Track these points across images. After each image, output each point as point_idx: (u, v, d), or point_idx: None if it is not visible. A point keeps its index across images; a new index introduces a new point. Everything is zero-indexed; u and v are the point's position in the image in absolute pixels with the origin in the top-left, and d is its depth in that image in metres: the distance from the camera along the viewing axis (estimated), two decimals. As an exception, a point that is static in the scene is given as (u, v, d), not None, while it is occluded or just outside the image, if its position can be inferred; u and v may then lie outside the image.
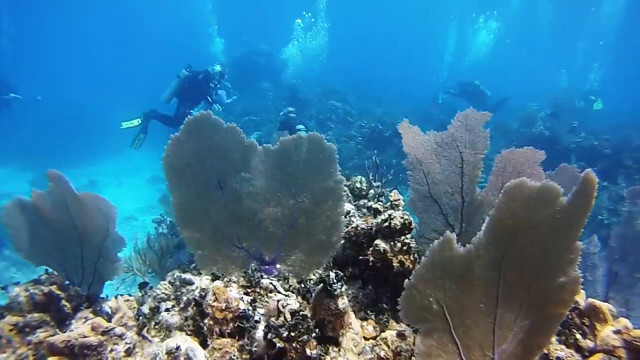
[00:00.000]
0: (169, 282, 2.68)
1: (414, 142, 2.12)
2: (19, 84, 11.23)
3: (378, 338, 1.63)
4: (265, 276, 1.73)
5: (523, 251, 1.30)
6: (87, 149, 16.92)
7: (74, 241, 2.53)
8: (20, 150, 16.10)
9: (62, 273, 2.65)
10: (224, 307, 1.51)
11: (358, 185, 3.47)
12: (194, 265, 3.00)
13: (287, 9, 19.77)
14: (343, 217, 2.07)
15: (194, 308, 1.74)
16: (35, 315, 2.48)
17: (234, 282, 1.64)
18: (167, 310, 2.20)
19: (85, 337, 1.68)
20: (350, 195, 3.38)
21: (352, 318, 1.70)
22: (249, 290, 1.61)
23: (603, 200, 8.13)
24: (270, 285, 1.65)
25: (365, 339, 1.68)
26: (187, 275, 2.73)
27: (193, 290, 2.50)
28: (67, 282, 2.66)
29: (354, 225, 2.16)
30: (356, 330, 1.64)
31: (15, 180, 14.65)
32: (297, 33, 19.73)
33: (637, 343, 1.50)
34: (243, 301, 1.55)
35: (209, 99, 7.51)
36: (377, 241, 2.08)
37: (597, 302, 1.69)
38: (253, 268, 1.76)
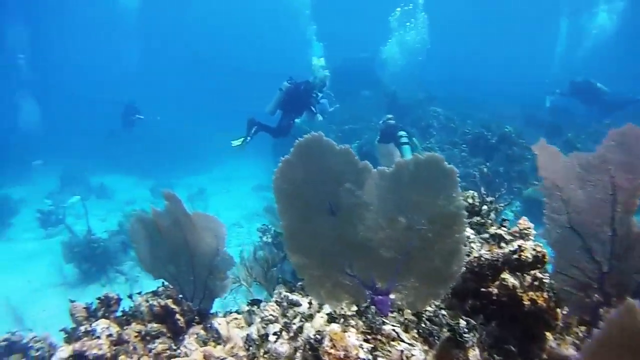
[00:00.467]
0: (276, 302, 2.67)
1: (552, 165, 1.84)
2: (142, 106, 12.68)
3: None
4: (387, 321, 1.59)
5: None
6: (197, 160, 18.17)
7: (187, 258, 2.61)
8: (142, 162, 17.82)
9: (176, 287, 2.76)
10: (342, 356, 1.40)
11: (470, 200, 3.20)
12: (300, 283, 2.97)
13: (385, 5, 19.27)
14: (464, 245, 1.87)
15: (309, 352, 1.66)
16: (155, 325, 2.60)
17: (353, 326, 1.53)
18: (275, 334, 2.16)
19: (198, 365, 1.67)
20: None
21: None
22: (369, 337, 1.49)
23: None
24: (393, 333, 1.51)
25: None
26: (295, 297, 2.69)
27: (300, 314, 2.46)
28: (180, 296, 2.76)
29: (476, 254, 1.94)
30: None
31: (139, 188, 16.22)
32: (393, 25, 19.09)
33: None
34: (363, 349, 1.43)
35: (312, 109, 7.56)
36: (505, 275, 1.85)
37: None
38: (373, 311, 1.63)
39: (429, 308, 2.03)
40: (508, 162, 9.72)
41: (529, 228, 1.94)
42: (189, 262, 2.60)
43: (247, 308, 2.86)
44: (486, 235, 2.18)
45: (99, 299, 2.73)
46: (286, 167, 1.90)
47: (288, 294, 2.74)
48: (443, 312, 2.06)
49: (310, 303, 2.50)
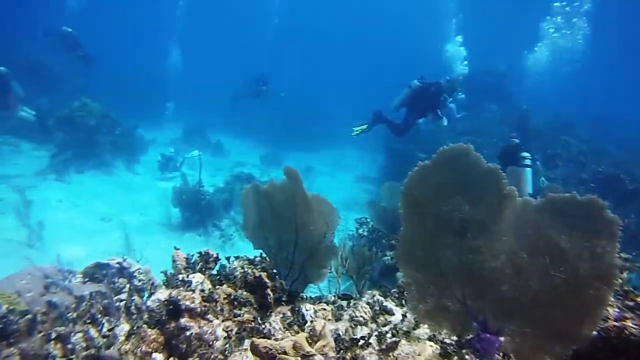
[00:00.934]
0: (368, 304, 2.55)
1: None
2: (272, 78, 13.18)
3: None
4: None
5: None
6: (309, 138, 18.53)
7: (291, 237, 2.58)
8: (258, 129, 18.65)
9: (272, 262, 2.75)
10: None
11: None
12: (394, 290, 2.82)
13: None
14: (605, 308, 1.59)
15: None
16: (244, 293, 2.62)
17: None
18: (363, 339, 2.05)
19: (285, 353, 1.61)
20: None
21: None
22: None
23: None
24: None
25: None
26: (388, 304, 2.56)
27: (394, 325, 2.32)
28: (275, 272, 2.75)
29: (617, 324, 1.64)
30: None
31: (250, 153, 17.05)
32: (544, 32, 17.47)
33: None
34: None
35: (439, 112, 7.24)
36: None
37: None
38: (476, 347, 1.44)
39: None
40: (644, 213, 8.54)
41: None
42: (292, 241, 2.57)
43: (332, 298, 2.79)
44: (631, 303, 1.85)
45: (199, 253, 2.82)
46: (421, 173, 1.75)
47: (381, 298, 2.61)
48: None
49: (404, 315, 2.35)
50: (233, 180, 10.99)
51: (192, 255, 2.83)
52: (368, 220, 6.53)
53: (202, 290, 2.49)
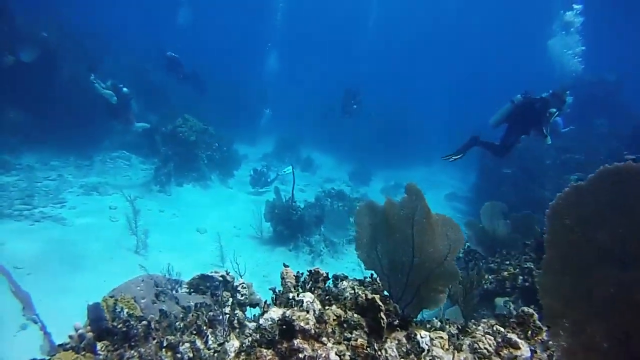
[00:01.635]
0: (490, 334, 2.32)
1: None
2: (363, 95, 13.25)
3: None
4: None
5: None
6: (398, 155, 18.26)
7: (408, 257, 2.43)
8: (346, 147, 18.73)
9: (385, 284, 2.62)
10: None
11: None
12: (513, 320, 2.55)
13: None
14: None
15: None
16: (355, 315, 2.50)
17: None
18: (494, 377, 1.84)
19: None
20: None
21: None
22: None
23: None
24: None
25: None
26: (512, 336, 2.30)
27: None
28: (386, 294, 2.61)
29: None
30: None
31: (339, 169, 17.17)
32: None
33: None
34: None
35: (543, 130, 6.70)
36: None
37: None
38: None
39: None
40: None
41: None
42: (408, 262, 2.42)
43: (438, 324, 2.59)
44: None
45: (309, 272, 2.76)
46: (575, 193, 1.54)
47: (502, 328, 2.36)
48: None
49: (534, 352, 2.10)
50: (323, 197, 11.05)
51: (302, 274, 2.78)
52: (465, 241, 6.18)
53: (314, 311, 2.41)
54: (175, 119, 12.43)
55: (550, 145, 7.70)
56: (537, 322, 2.31)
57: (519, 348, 2.22)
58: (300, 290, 2.65)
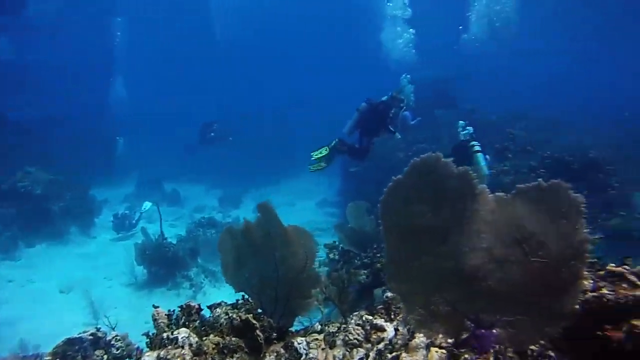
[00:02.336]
0: (359, 325, 2.54)
1: None
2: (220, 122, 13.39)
3: None
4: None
5: None
6: (264, 173, 18.47)
7: (272, 272, 2.55)
8: (214, 173, 18.44)
9: (257, 302, 2.71)
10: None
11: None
12: (380, 306, 2.82)
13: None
14: (582, 281, 1.67)
15: None
16: (233, 339, 2.55)
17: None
18: (361, 360, 2.04)
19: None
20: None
21: None
22: None
23: None
24: None
25: None
26: (378, 320, 2.56)
27: (388, 340, 2.33)
28: (260, 311, 2.70)
29: (595, 293, 1.73)
30: None
31: (208, 196, 16.81)
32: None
33: None
34: None
35: (390, 128, 7.48)
36: (636, 321, 1.63)
37: None
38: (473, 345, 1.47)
39: (533, 347, 1.84)
40: (592, 190, 9.03)
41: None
42: (274, 277, 2.54)
43: (319, 327, 2.76)
44: (602, 272, 1.95)
45: (180, 307, 2.73)
46: (397, 187, 1.79)
47: (370, 317, 2.61)
48: (551, 353, 1.85)
49: (397, 329, 2.36)
50: (195, 228, 10.76)
51: (173, 311, 2.74)
52: (337, 243, 6.52)
53: (191, 345, 2.41)
54: (13, 174, 11.11)
55: (400, 139, 8.56)
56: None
57: (385, 330, 2.48)
58: (174, 327, 2.61)
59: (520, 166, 10.56)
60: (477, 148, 6.96)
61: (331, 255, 6.66)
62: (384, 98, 7.77)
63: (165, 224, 11.69)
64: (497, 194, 1.71)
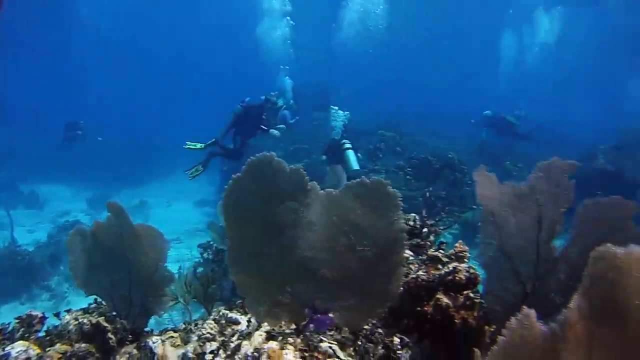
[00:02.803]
0: (214, 320, 2.61)
1: (490, 193, 1.95)
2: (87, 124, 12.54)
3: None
4: (324, 339, 1.60)
5: (617, 330, 1.14)
6: (139, 170, 17.51)
7: (124, 273, 2.51)
8: (80, 172, 16.95)
9: (110, 304, 2.63)
10: (280, 375, 1.39)
11: (411, 223, 3.31)
12: (240, 301, 2.92)
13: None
14: (403, 267, 1.93)
15: None
16: (83, 345, 2.45)
17: (291, 344, 1.52)
18: (212, 353, 2.11)
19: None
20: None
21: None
22: (307, 355, 1.49)
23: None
24: (329, 350, 1.52)
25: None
26: (233, 314, 2.64)
27: (239, 332, 2.42)
28: (114, 313, 2.63)
29: (414, 275, 2.01)
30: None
31: (76, 199, 15.41)
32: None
33: None
34: None
35: (265, 128, 7.67)
36: (439, 295, 1.93)
37: None
38: (312, 329, 1.64)
39: (366, 327, 2.07)
40: (450, 187, 10.13)
41: (465, 251, 2.04)
42: (126, 277, 2.49)
43: (184, 326, 2.78)
44: (424, 257, 2.26)
45: (19, 318, 2.55)
46: (236, 185, 1.89)
47: (227, 311, 2.68)
48: (380, 330, 2.10)
49: (249, 321, 2.47)
50: (58, 232, 9.84)
51: (9, 324, 2.54)
52: (211, 243, 6.48)
53: (28, 358, 2.27)
54: None
55: (279, 138, 8.80)
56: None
57: (239, 323, 2.57)
58: (8, 342, 2.42)
59: (390, 165, 11.46)
60: (347, 146, 7.50)
61: (205, 255, 6.61)
62: (258, 102, 8.01)
63: (22, 229, 10.55)
64: (327, 189, 1.89)
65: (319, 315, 1.98)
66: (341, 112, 8.45)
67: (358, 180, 1.86)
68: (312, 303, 1.99)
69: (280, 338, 1.58)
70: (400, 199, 1.87)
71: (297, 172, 1.84)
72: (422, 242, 3.04)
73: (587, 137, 13.74)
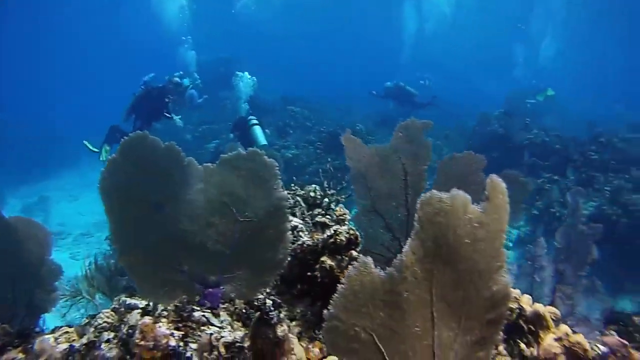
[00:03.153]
0: (113, 309, 2.54)
1: (357, 155, 2.07)
2: None
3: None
4: (197, 308, 1.64)
5: (451, 267, 1.28)
6: (38, 164, 16.17)
7: (6, 271, 2.36)
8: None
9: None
10: (152, 346, 1.41)
11: (312, 194, 3.42)
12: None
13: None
14: (288, 234, 2.00)
15: (121, 348, 1.63)
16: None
17: (164, 317, 1.54)
18: (107, 341, 2.07)
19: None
20: (304, 205, 3.31)
21: (295, 343, 1.63)
22: (180, 325, 1.52)
23: (555, 194, 8.50)
24: (203, 318, 1.56)
25: (310, 361, 1.62)
26: (133, 300, 2.59)
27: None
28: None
29: (300, 242, 2.10)
30: (299, 356, 1.57)
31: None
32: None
33: (576, 348, 1.50)
34: (173, 337, 1.45)
35: (167, 114, 7.42)
36: (324, 258, 2.04)
37: (541, 309, 1.69)
38: (185, 300, 1.66)
39: (260, 296, 2.14)
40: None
41: (344, 214, 2.16)
42: (8, 276, 2.35)
43: (85, 321, 2.69)
44: (312, 224, 2.36)
45: None
46: (112, 166, 1.85)
47: (127, 299, 2.63)
48: (273, 297, 2.18)
49: (147, 305, 2.44)
50: None
51: None
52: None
53: None
54: None
55: (185, 122, 8.55)
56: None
57: (137, 308, 2.54)
58: None
59: (300, 140, 11.58)
60: (254, 122, 7.53)
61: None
62: (167, 77, 7.72)
63: None
64: (205, 164, 1.91)
65: (210, 290, 2.02)
66: (247, 75, 8.38)
67: (234, 152, 1.90)
68: (202, 278, 2.01)
69: (156, 313, 1.60)
70: (278, 167, 1.94)
71: (172, 148, 1.84)
72: (323, 212, 3.16)
73: (483, 104, 14.74)
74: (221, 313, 1.91)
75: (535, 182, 8.54)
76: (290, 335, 1.50)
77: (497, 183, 1.27)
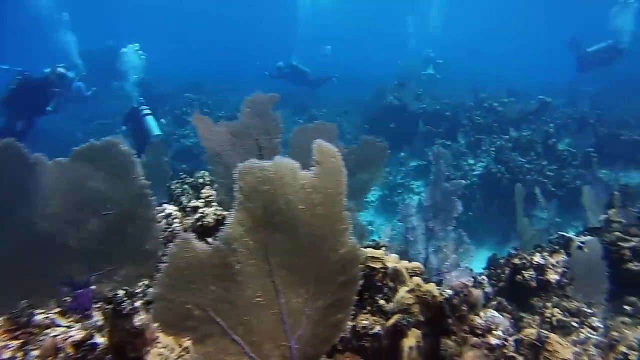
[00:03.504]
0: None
1: (209, 135, 2.07)
2: None
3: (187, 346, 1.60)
4: (38, 312, 1.56)
5: (288, 234, 1.30)
6: None
7: None
8: None
9: None
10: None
11: (201, 180, 3.38)
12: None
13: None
14: (156, 222, 1.98)
15: None
16: None
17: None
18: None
19: None
20: (192, 192, 3.27)
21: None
22: (18, 334, 1.44)
23: (447, 158, 9.12)
24: (46, 321, 1.50)
25: (181, 346, 1.63)
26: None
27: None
28: None
29: (170, 228, 2.09)
30: (167, 342, 1.58)
31: None
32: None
33: (426, 297, 1.66)
34: (8, 349, 1.38)
35: (50, 109, 6.79)
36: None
37: (399, 265, 1.84)
38: (23, 305, 1.57)
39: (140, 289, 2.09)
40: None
41: (211, 195, 2.17)
42: None
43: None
44: (189, 209, 2.35)
45: None
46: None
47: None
48: (127, 288, 2.14)
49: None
50: None
51: None
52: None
53: None
54: None
55: (75, 115, 7.91)
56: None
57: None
58: None
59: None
60: (146, 111, 7.18)
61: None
62: (47, 69, 7.06)
63: None
64: (56, 159, 1.81)
65: (80, 291, 1.94)
66: (136, 48, 7.92)
67: (87, 144, 1.83)
68: (69, 280, 1.93)
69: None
70: (135, 155, 1.89)
71: (11, 145, 1.72)
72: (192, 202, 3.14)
73: (380, 75, 15.23)
74: (94, 313, 1.84)
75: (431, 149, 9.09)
76: (151, 323, 1.50)
77: (324, 147, 1.30)
